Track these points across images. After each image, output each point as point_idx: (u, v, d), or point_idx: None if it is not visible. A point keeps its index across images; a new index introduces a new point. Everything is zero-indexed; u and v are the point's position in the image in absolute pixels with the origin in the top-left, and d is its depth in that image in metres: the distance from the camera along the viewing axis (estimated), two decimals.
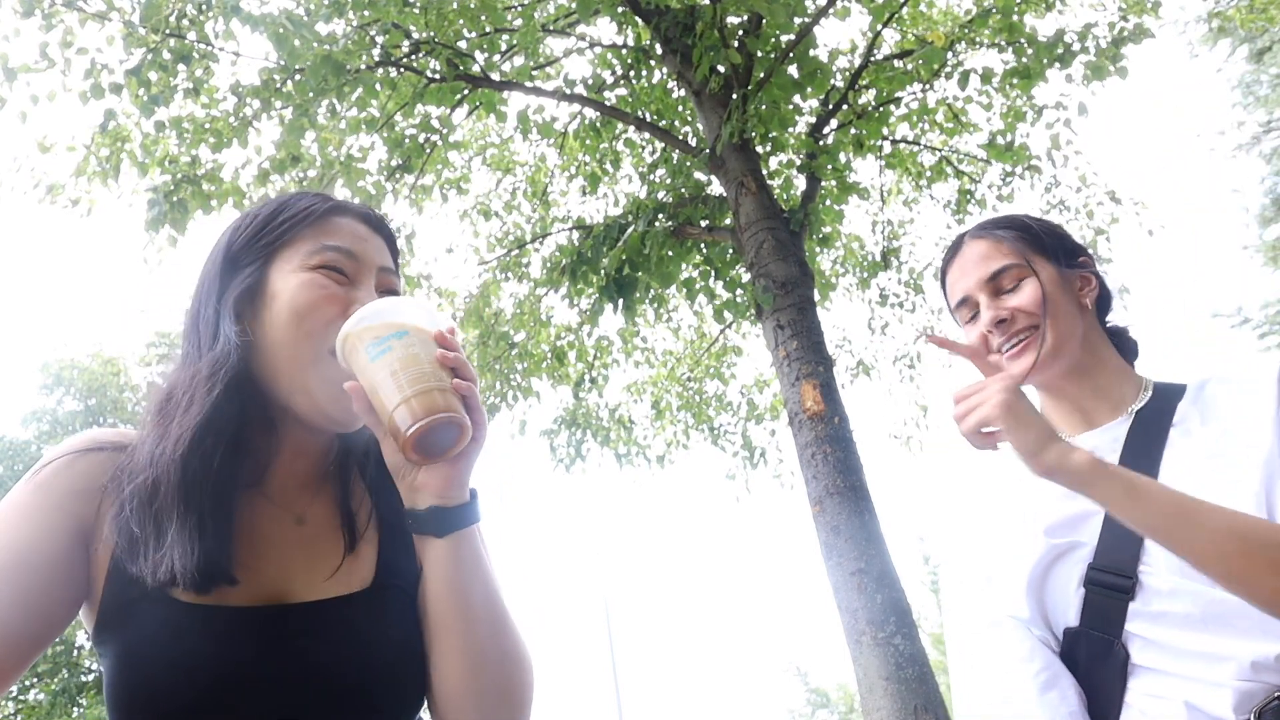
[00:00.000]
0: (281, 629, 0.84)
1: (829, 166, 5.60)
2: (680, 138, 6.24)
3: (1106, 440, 1.16)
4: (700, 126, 5.83)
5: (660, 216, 5.69)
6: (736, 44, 5.10)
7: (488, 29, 5.52)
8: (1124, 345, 1.28)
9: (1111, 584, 1.07)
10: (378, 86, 5.10)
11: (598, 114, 6.64)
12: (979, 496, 1.26)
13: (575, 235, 6.63)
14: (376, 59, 5.09)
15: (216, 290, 0.91)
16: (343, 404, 0.87)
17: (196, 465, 0.83)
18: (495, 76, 5.69)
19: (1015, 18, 5.43)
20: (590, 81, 6.39)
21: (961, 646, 1.21)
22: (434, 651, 0.90)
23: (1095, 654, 1.08)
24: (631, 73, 6.47)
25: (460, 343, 0.89)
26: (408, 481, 0.88)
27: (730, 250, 5.70)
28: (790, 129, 5.77)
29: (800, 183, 6.06)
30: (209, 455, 0.84)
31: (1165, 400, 1.17)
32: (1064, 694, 1.08)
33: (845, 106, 5.82)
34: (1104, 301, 1.28)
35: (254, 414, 0.89)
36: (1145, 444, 1.13)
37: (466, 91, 5.55)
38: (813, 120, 5.99)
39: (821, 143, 5.68)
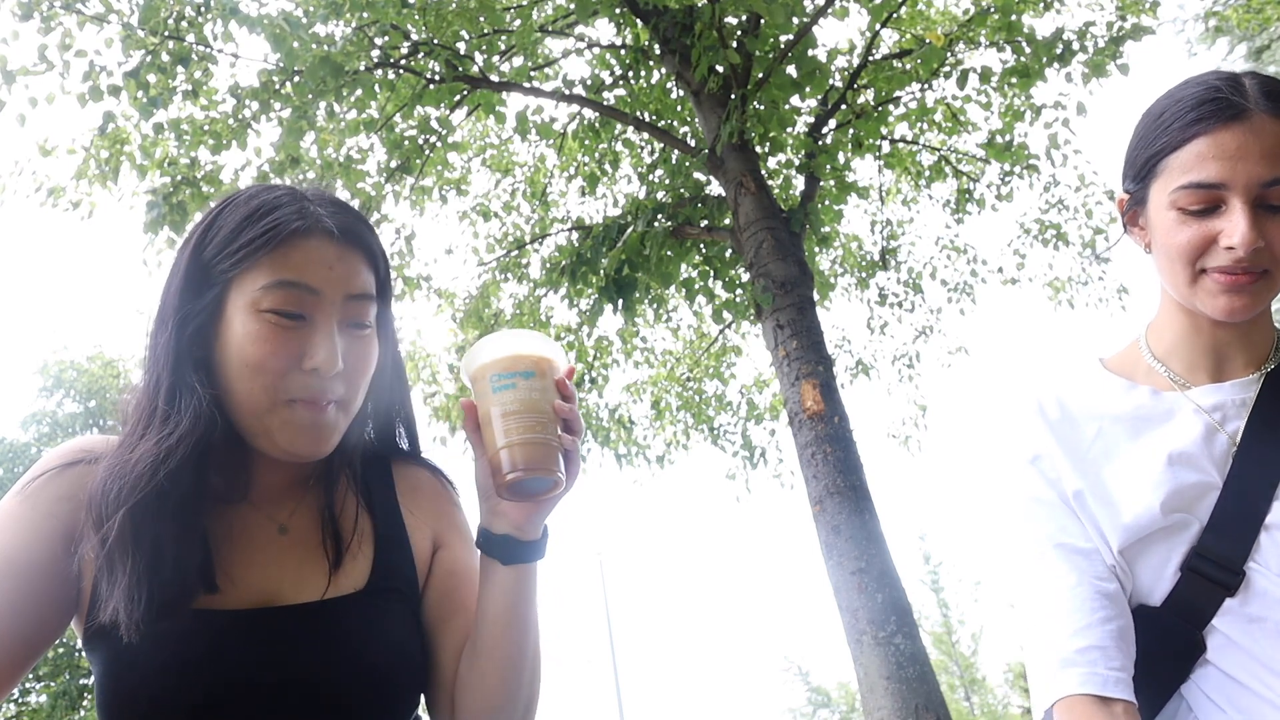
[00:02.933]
0: (271, 631, 0.84)
1: (828, 166, 5.60)
2: (679, 138, 6.24)
3: (1234, 399, 1.00)
4: (699, 126, 5.83)
5: (659, 217, 5.69)
6: (735, 44, 5.11)
7: (486, 30, 5.53)
8: None
9: (1213, 575, 0.94)
10: (376, 88, 5.10)
11: (596, 114, 6.64)
12: (1085, 421, 1.06)
13: (574, 236, 6.63)
14: (375, 60, 5.10)
15: (175, 308, 0.87)
16: (302, 445, 0.86)
17: (145, 509, 0.80)
18: (494, 77, 5.69)
19: (1014, 17, 5.44)
20: (589, 82, 6.40)
21: (1030, 564, 1.03)
22: (469, 666, 0.92)
23: (1169, 641, 0.97)
24: (630, 73, 6.47)
25: (574, 390, 0.90)
26: (490, 504, 0.90)
27: (729, 250, 5.71)
28: (789, 129, 5.77)
29: (799, 183, 6.06)
30: (162, 497, 0.81)
31: None
32: (1132, 651, 0.97)
33: (844, 106, 5.82)
34: None
35: (224, 435, 0.86)
36: (1277, 413, 0.98)
37: (465, 92, 5.56)
38: (811, 120, 6.00)
39: (820, 142, 5.68)
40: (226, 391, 0.86)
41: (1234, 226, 0.90)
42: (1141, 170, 0.99)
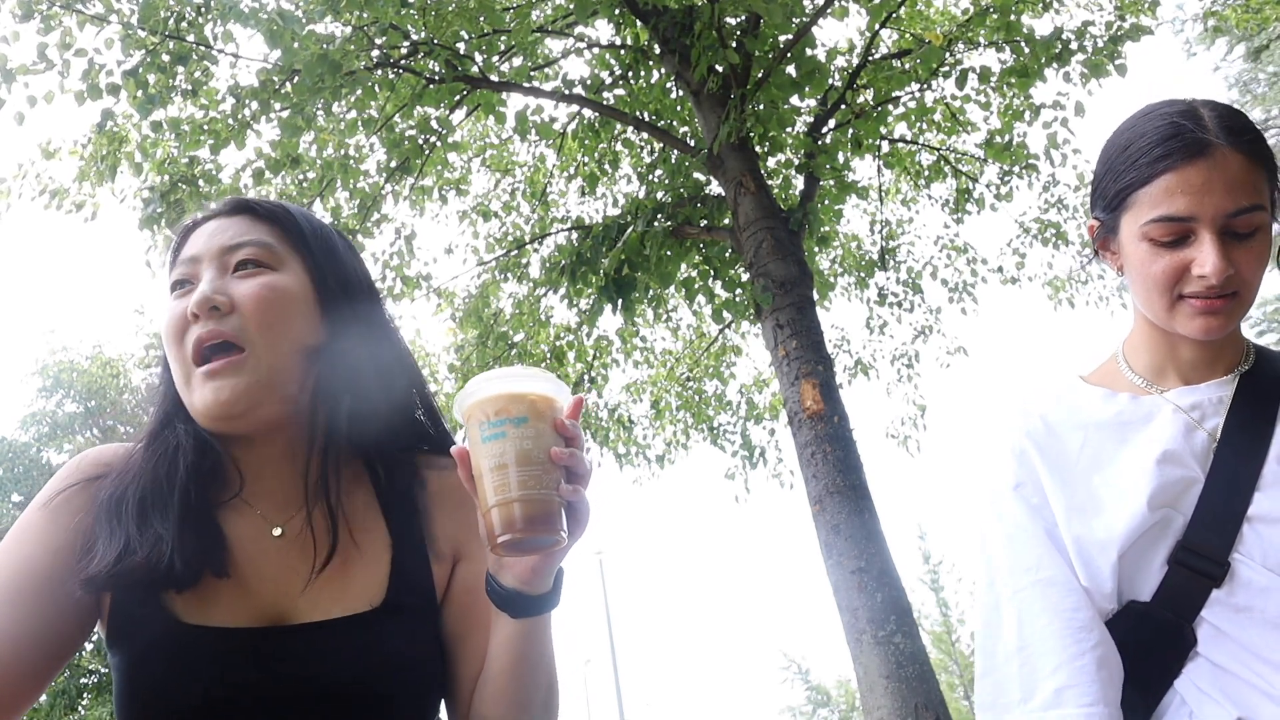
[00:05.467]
0: (284, 652, 0.82)
1: (827, 166, 5.61)
2: (679, 138, 6.25)
3: (1210, 398, 1.04)
4: (699, 126, 5.84)
5: (659, 216, 5.70)
6: (734, 44, 5.11)
7: (486, 30, 5.53)
8: None
9: (1199, 568, 0.97)
10: (376, 88, 5.11)
11: (596, 114, 6.65)
12: (1069, 433, 1.08)
13: (574, 236, 6.64)
14: (375, 60, 5.10)
15: None
16: (202, 399, 0.85)
17: (128, 481, 0.86)
18: (494, 77, 5.70)
19: (1013, 17, 5.45)
20: (589, 82, 6.40)
21: (1008, 598, 1.05)
22: (480, 699, 0.89)
23: (1160, 635, 0.99)
24: (630, 73, 6.48)
25: (579, 425, 0.83)
26: (494, 555, 0.84)
27: (729, 250, 5.71)
28: (788, 129, 5.78)
29: (799, 182, 6.07)
30: (140, 471, 0.87)
31: (1272, 368, 1.06)
32: (1112, 675, 0.99)
33: (843, 106, 5.83)
34: None
35: (202, 432, 0.89)
36: (1254, 411, 1.02)
37: (465, 92, 5.56)
38: (811, 120, 6.00)
39: (820, 142, 5.69)
40: None
41: (1205, 256, 0.95)
42: (1111, 201, 1.04)
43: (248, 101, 4.93)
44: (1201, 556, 0.97)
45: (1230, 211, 0.95)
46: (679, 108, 6.61)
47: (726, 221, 5.52)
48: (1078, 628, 1.00)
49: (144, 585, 0.80)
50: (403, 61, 5.34)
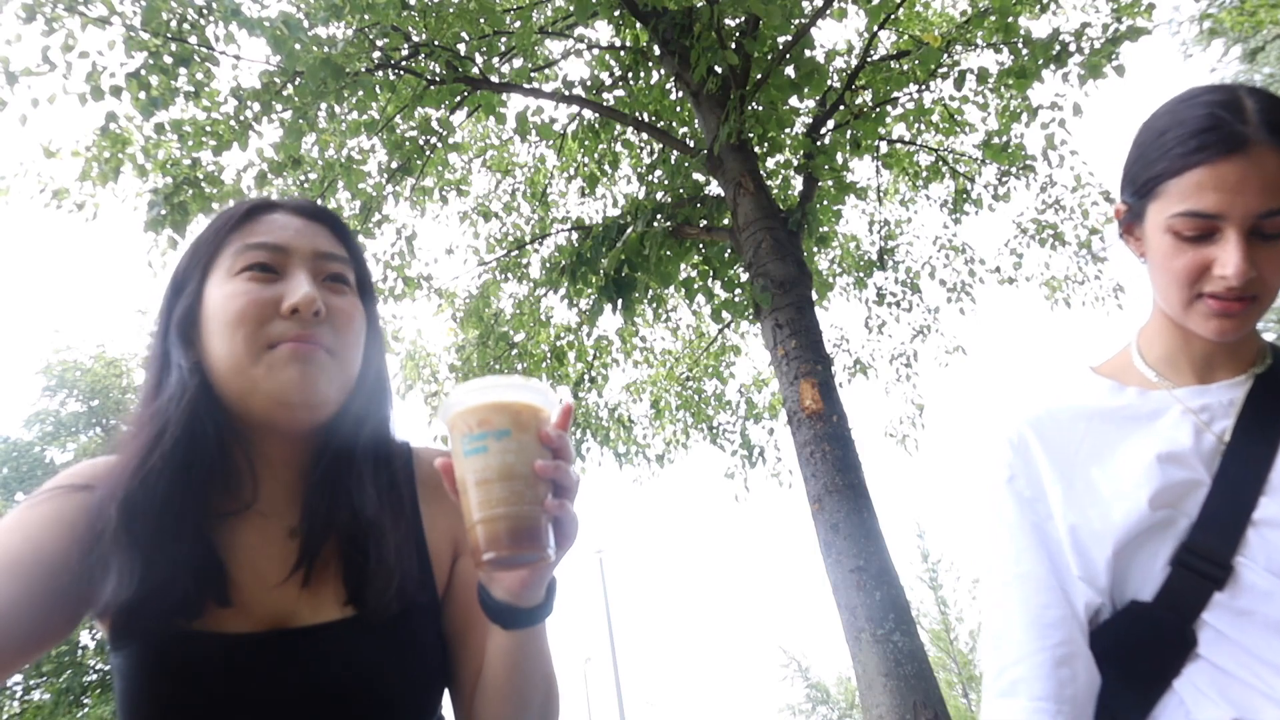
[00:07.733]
0: (286, 657, 0.82)
1: (826, 167, 5.63)
2: (678, 138, 6.28)
3: (1221, 400, 1.04)
4: (698, 127, 5.87)
5: (659, 217, 5.73)
6: (734, 45, 5.14)
7: (486, 31, 5.56)
8: None
9: (1202, 570, 0.97)
10: (377, 89, 5.13)
11: (596, 115, 6.68)
12: (1072, 423, 1.08)
13: (574, 236, 6.67)
14: (376, 62, 5.13)
15: (164, 319, 0.91)
16: (290, 386, 0.83)
17: (139, 497, 0.82)
18: (494, 79, 5.73)
19: (1010, 18, 5.47)
20: (589, 83, 6.43)
21: (996, 589, 1.07)
22: (481, 702, 0.89)
23: (1160, 635, 0.99)
24: (629, 74, 6.50)
25: (568, 434, 0.81)
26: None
27: (728, 250, 5.74)
28: (787, 129, 5.81)
29: (798, 183, 6.10)
30: (154, 485, 0.83)
31: None
32: (1075, 673, 1.00)
33: (842, 107, 5.85)
34: None
35: (225, 432, 0.87)
36: (1265, 415, 1.01)
37: (466, 94, 5.59)
38: (810, 121, 6.03)
39: (819, 143, 5.71)
40: (213, 364, 0.86)
41: (1228, 256, 0.93)
42: (1140, 188, 1.02)
43: (250, 103, 4.96)
44: (1203, 559, 0.97)
45: (1261, 212, 0.91)
46: (679, 109, 6.64)
47: (726, 222, 5.54)
48: (1044, 624, 1.02)
49: (155, 615, 0.80)
50: (403, 63, 5.37)
